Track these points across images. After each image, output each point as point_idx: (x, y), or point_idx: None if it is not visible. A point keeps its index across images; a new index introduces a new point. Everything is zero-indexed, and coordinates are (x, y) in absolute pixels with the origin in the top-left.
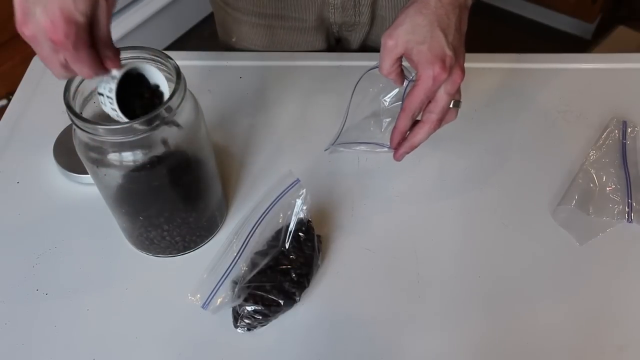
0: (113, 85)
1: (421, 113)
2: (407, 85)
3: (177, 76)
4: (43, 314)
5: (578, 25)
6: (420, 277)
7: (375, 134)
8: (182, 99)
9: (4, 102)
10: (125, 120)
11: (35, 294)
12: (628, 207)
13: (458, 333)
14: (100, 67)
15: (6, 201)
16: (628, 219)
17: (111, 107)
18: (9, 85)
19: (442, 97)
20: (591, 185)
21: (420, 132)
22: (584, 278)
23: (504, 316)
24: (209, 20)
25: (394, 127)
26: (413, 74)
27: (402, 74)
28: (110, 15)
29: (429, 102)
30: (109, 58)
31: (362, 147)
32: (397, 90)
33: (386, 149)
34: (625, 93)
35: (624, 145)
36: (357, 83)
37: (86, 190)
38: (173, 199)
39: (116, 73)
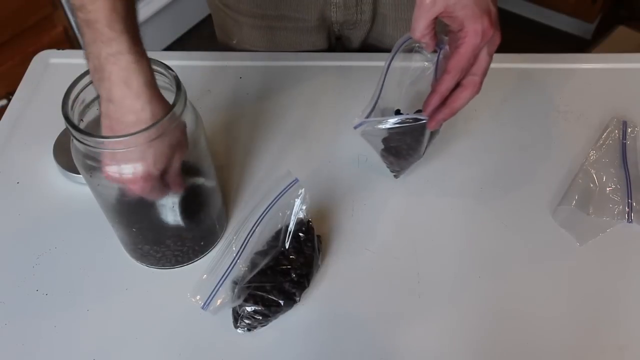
0: (176, 200)
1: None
2: (439, 53)
3: (178, 87)
4: (43, 314)
5: (578, 25)
6: (420, 277)
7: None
8: (182, 111)
9: (4, 102)
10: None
11: (35, 294)
12: (628, 207)
13: (458, 333)
14: (165, 192)
15: (6, 201)
16: (628, 219)
17: (173, 218)
18: (9, 85)
19: (484, 58)
20: (591, 185)
21: (462, 96)
22: (583, 278)
23: (504, 316)
24: (208, 20)
25: (432, 92)
26: (444, 43)
27: (435, 37)
28: (182, 158)
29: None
30: (175, 185)
31: (394, 122)
32: (419, 72)
33: (423, 121)
34: (625, 93)
35: (624, 145)
36: (391, 59)
37: (86, 190)
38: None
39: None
